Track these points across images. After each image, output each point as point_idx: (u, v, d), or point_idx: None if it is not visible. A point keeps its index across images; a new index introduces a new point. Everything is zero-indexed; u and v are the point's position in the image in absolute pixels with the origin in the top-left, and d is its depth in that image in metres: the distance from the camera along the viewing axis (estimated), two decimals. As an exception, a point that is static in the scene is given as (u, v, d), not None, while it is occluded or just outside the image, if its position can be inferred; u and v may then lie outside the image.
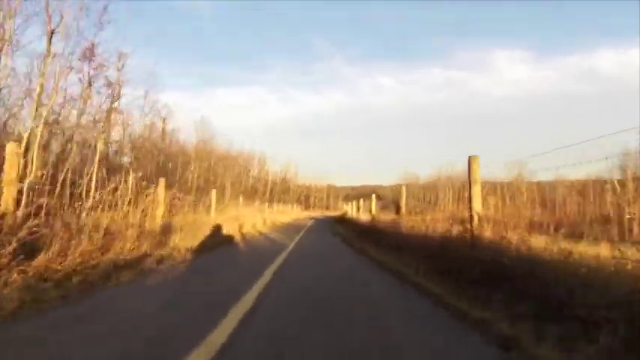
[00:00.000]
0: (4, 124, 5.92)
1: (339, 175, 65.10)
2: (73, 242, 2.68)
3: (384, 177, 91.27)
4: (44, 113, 5.29)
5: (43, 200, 3.29)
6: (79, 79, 7.37)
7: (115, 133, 11.83)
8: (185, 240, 4.56)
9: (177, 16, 59.30)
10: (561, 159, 2.68)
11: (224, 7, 66.40)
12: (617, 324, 1.33)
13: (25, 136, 4.95)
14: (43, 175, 3.93)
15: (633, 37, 60.17)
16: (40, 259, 2.36)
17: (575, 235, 4.20)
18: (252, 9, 66.04)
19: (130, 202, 4.21)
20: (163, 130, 19.54)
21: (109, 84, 8.50)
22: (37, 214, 3.15)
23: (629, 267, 1.97)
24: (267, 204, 16.48)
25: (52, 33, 5.50)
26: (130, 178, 4.36)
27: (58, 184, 5.14)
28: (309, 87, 77.05)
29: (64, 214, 3.21)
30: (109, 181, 4.20)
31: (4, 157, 2.64)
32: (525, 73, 64.05)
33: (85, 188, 5.45)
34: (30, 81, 5.93)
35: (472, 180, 3.54)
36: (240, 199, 11.93)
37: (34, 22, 5.55)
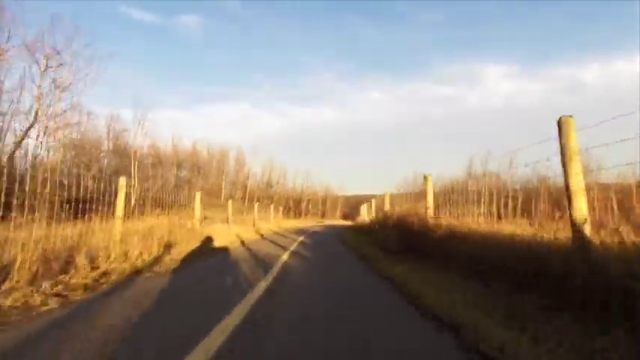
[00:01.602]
0: None
1: (333, 186, 64.81)
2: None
3: (377, 187, 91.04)
4: None
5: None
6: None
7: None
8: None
9: (164, 35, 67.75)
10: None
11: (212, 26, 74.70)
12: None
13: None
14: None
15: (618, 50, 71.24)
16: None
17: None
18: (240, 26, 75.16)
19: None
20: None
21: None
22: None
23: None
24: (230, 212, 12.80)
25: None
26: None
27: None
28: (299, 101, 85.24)
29: None
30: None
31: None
32: (513, 87, 72.98)
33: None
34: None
35: (571, 168, 2.75)
36: (197, 202, 8.33)
37: None
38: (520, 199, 20.51)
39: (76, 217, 4.57)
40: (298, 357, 1.91)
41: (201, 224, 8.50)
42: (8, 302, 2.71)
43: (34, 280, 3.17)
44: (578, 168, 2.69)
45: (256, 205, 16.80)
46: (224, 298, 3.03)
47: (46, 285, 3.09)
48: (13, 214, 3.52)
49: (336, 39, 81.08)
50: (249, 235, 11.11)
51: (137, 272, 4.25)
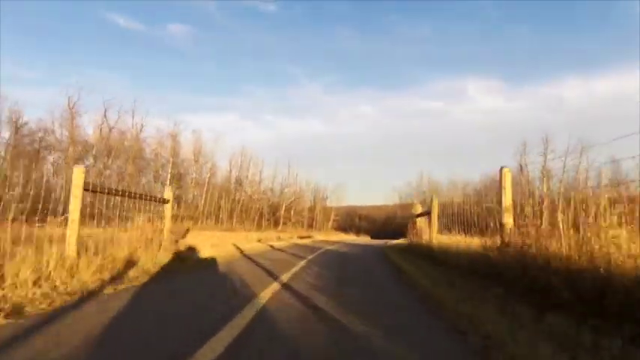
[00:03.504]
0: None
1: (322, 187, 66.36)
2: None
3: (369, 198, 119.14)
4: None
5: None
6: None
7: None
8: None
9: (150, 45, 76.61)
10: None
11: (196, 35, 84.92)
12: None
13: None
14: None
15: (598, 68, 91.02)
16: None
17: None
18: (228, 37, 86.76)
19: None
20: None
21: None
22: None
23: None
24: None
25: None
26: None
27: None
28: (287, 113, 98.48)
29: None
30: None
31: None
32: (498, 103, 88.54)
33: None
34: None
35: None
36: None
37: None
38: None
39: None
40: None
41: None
42: None
43: None
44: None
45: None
46: None
47: None
48: None
49: (323, 51, 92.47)
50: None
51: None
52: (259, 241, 18.09)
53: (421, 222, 13.42)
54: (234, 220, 44.64)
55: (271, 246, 15.15)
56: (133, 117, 40.66)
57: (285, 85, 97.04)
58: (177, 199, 51.66)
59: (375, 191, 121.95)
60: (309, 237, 28.31)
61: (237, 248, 12.14)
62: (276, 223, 51.52)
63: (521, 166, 52.47)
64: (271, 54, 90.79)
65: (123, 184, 36.53)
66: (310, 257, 10.23)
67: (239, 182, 52.88)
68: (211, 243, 12.70)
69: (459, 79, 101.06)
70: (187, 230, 14.55)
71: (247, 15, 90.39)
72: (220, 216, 43.24)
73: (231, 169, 52.85)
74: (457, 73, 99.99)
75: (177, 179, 50.87)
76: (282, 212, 48.86)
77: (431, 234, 10.00)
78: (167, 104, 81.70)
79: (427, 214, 12.08)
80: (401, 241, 25.49)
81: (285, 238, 23.30)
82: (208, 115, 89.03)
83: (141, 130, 40.00)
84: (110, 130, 38.18)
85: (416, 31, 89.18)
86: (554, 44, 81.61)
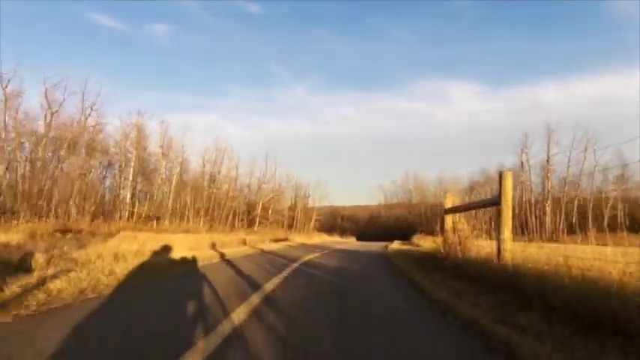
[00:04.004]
0: None
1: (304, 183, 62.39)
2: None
3: (353, 198, 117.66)
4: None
5: None
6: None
7: None
8: None
9: (131, 43, 75.87)
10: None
11: (179, 35, 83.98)
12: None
13: None
14: None
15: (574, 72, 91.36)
16: None
17: None
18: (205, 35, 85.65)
19: None
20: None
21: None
22: None
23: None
24: None
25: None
26: None
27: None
28: (270, 114, 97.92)
29: None
30: None
31: None
32: (480, 105, 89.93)
33: None
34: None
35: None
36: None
37: None
38: None
39: None
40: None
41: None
42: None
43: None
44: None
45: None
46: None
47: None
48: None
49: (308, 52, 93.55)
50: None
51: None
52: (213, 246, 12.97)
53: (456, 220, 8.54)
54: (202, 219, 39.21)
55: (222, 255, 10.03)
56: (82, 101, 34.73)
57: (269, 86, 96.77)
58: (142, 196, 46.04)
59: (358, 191, 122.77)
60: (285, 240, 23.21)
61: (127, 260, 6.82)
62: (251, 223, 46.24)
63: (522, 162, 48.79)
64: (256, 54, 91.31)
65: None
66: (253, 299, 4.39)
67: (213, 179, 47.48)
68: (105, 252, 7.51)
69: (442, 81, 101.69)
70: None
71: (231, 15, 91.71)
72: (186, 214, 37.79)
73: (204, 164, 47.49)
74: (440, 76, 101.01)
75: (146, 175, 45.25)
76: (259, 211, 43.56)
77: (503, 243, 5.06)
78: (146, 103, 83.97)
79: (480, 206, 7.15)
80: (401, 245, 21.34)
81: (252, 242, 18.17)
82: (190, 115, 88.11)
83: (90, 115, 33.99)
84: (52, 114, 32.12)
85: (399, 34, 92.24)
86: (533, 48, 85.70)
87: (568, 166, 41.95)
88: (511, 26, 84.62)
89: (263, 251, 13.44)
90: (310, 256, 11.45)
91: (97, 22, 79.05)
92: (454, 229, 8.60)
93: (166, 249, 10.08)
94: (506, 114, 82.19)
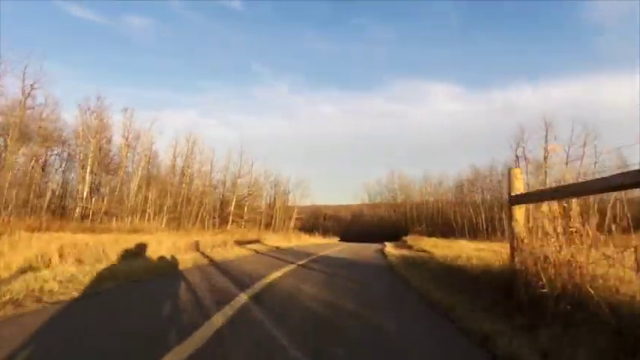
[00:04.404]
0: None
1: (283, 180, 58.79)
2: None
3: (332, 198, 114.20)
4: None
5: None
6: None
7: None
8: None
9: (106, 36, 71.55)
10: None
11: (156, 27, 79.14)
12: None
13: None
14: None
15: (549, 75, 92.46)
16: None
17: None
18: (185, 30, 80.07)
19: None
20: None
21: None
22: None
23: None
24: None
25: None
26: None
27: None
28: (250, 112, 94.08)
29: None
30: None
31: None
32: (456, 106, 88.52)
33: None
34: None
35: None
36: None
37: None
38: None
39: None
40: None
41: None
42: None
43: None
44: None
45: None
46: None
47: None
48: None
49: (289, 51, 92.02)
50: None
51: None
52: (137, 255, 8.76)
53: (543, 215, 4.62)
54: (165, 217, 34.54)
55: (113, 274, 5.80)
56: (23, 79, 29.67)
57: (250, 84, 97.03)
58: (98, 191, 40.90)
59: (341, 191, 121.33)
60: (256, 241, 18.96)
61: None
62: (225, 222, 41.73)
63: (517, 157, 45.61)
64: (237, 52, 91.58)
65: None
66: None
67: (184, 174, 42.73)
68: None
69: (422, 81, 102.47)
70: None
71: (213, 11, 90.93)
72: (147, 212, 33.11)
73: (175, 157, 42.73)
74: (419, 77, 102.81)
75: (110, 169, 40.26)
76: (232, 209, 39.05)
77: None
78: (123, 99, 77.90)
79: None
80: (399, 250, 17.19)
81: (211, 245, 13.94)
82: (168, 112, 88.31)
83: (29, 95, 28.90)
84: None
85: (381, 34, 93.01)
86: (510, 52, 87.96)
87: (567, 162, 39.12)
88: (491, 29, 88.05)
89: (212, 261, 9.23)
90: (275, 275, 7.27)
91: (71, 13, 75.70)
92: (539, 232, 4.62)
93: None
94: (486, 115, 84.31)
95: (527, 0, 78.84)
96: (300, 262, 9.84)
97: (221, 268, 8.11)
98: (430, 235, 32.94)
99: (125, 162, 40.12)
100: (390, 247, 19.12)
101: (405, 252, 14.69)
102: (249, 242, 18.56)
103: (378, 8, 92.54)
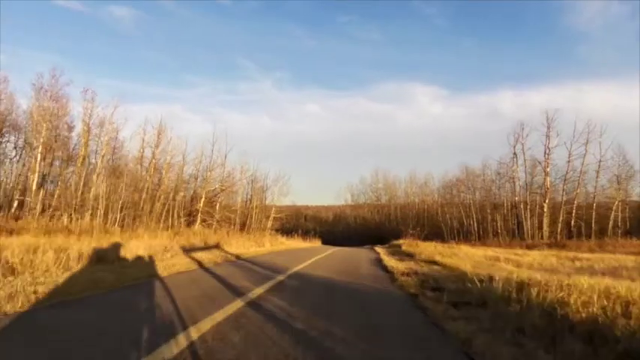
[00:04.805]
0: None
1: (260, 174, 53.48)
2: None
3: (314, 199, 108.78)
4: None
5: None
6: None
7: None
8: None
9: (91, 27, 68.88)
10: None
11: (143, 20, 74.08)
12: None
13: None
14: None
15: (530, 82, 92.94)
16: None
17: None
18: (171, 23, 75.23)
19: None
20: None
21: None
22: None
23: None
24: None
25: None
26: None
27: None
28: (236, 108, 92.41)
29: None
30: None
31: None
32: (440, 109, 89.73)
33: None
34: None
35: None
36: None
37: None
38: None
39: None
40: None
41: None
42: None
43: None
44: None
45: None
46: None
47: None
48: None
49: (276, 47, 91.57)
50: None
51: None
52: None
53: None
54: (118, 215, 29.80)
55: None
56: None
57: (234, 78, 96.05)
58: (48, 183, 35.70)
59: (324, 192, 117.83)
60: (215, 247, 14.75)
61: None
62: (193, 221, 37.12)
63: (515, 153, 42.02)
64: (222, 46, 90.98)
65: None
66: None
67: (154, 167, 37.86)
68: None
69: (406, 83, 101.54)
70: None
71: (199, 5, 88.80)
72: (97, 208, 28.36)
73: (143, 148, 37.82)
74: (404, 78, 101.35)
75: (70, 157, 35.14)
76: (202, 206, 34.43)
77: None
78: (104, 90, 76.18)
79: None
80: (395, 260, 12.15)
81: (136, 251, 9.81)
82: (150, 105, 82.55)
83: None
84: None
85: (367, 35, 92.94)
86: (492, 58, 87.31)
87: (568, 161, 35.97)
88: (476, 35, 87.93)
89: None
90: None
91: (55, 1, 71.98)
92: None
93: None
94: (468, 118, 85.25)
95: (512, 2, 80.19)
96: (252, 295, 5.70)
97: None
98: (425, 238, 29.23)
99: (84, 151, 35.25)
100: (385, 255, 15.21)
101: (411, 264, 10.78)
102: (207, 248, 14.38)
103: (364, 8, 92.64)
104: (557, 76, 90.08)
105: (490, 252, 20.03)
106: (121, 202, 27.99)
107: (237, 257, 12.37)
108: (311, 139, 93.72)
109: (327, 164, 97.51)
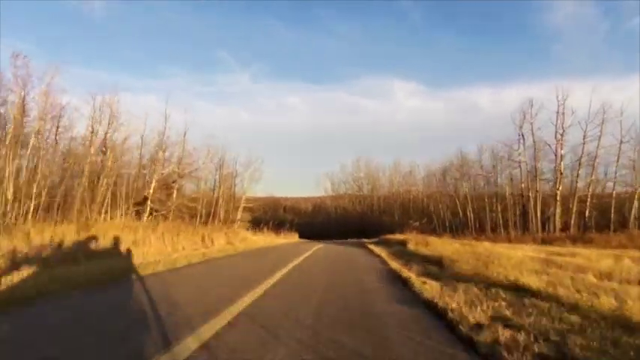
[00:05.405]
0: None
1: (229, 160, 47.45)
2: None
3: (292, 191, 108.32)
4: None
5: None
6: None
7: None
8: None
9: (64, 16, 67.14)
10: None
11: (117, 10, 75.09)
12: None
13: None
14: None
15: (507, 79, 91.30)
16: None
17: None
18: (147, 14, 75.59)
19: None
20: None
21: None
22: None
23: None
24: None
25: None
26: None
27: None
28: (211, 99, 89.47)
29: None
30: None
31: None
32: (420, 104, 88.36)
33: None
34: None
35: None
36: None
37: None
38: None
39: None
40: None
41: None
42: None
43: None
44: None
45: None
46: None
47: None
48: None
49: (255, 40, 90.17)
50: None
51: None
52: None
53: None
54: (58, 207, 23.38)
55: None
56: None
57: (212, 71, 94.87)
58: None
59: (303, 184, 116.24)
60: (115, 250, 9.00)
61: None
62: (146, 210, 30.77)
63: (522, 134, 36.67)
64: (200, 38, 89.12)
65: None
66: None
67: (101, 148, 31.10)
68: None
69: (386, 78, 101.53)
70: None
71: None
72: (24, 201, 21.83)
73: (92, 128, 30.88)
74: (384, 73, 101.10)
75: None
76: (152, 192, 28.06)
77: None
78: (78, 80, 71.32)
79: None
80: (427, 280, 7.03)
81: None
82: (121, 96, 73.44)
83: None
84: None
85: (346, 29, 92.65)
86: (471, 54, 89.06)
87: (583, 142, 31.17)
88: (453, 30, 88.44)
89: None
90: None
91: None
92: None
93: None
94: (446, 113, 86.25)
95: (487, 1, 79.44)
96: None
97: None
98: (432, 232, 23.86)
99: (17, 130, 28.22)
100: (396, 264, 9.63)
101: (493, 304, 5.20)
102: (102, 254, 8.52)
103: (343, 3, 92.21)
104: (536, 71, 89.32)
105: (528, 251, 14.77)
106: (35, 185, 21.50)
107: (127, 274, 6.52)
108: (291, 130, 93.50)
109: (307, 156, 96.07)
